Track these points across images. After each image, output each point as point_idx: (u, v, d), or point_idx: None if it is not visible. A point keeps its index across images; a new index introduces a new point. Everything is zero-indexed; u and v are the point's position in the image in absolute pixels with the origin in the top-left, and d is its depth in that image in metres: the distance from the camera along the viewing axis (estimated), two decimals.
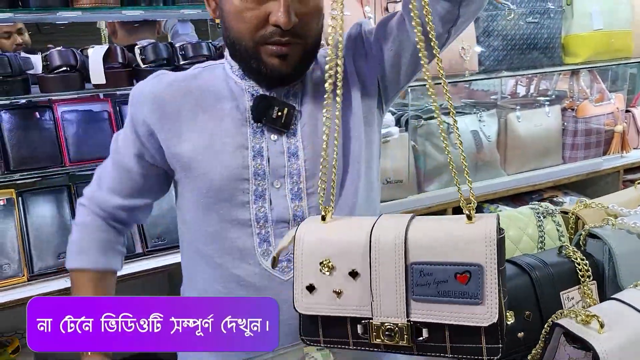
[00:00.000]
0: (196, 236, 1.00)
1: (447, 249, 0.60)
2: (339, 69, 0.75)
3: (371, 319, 0.62)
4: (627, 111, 2.44)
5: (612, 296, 0.79)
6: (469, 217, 0.63)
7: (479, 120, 2.15)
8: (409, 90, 2.05)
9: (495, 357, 0.62)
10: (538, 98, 2.38)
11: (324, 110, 0.75)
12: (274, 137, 0.97)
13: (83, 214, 1.07)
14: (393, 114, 2.11)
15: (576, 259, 0.91)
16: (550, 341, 0.75)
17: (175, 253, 1.59)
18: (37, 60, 1.50)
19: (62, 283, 1.50)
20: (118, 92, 1.58)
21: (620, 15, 2.26)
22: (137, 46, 1.58)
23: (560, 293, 0.89)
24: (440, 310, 0.60)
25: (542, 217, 1.07)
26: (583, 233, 0.97)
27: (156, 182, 1.05)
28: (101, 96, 1.65)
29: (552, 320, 0.75)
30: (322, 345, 0.64)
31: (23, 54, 1.51)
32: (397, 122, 2.06)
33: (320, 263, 0.62)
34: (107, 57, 1.54)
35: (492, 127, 2.18)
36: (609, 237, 0.93)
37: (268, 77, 0.93)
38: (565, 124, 2.33)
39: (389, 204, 1.93)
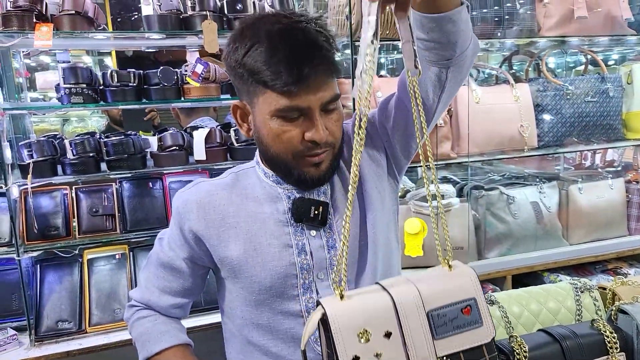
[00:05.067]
0: (248, 329, 1.07)
1: (449, 293, 0.76)
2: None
3: None
4: None
5: None
6: (450, 267, 0.78)
7: (539, 192, 2.26)
8: (470, 164, 2.21)
9: None
10: (601, 170, 2.44)
11: (348, 202, 0.73)
12: (313, 232, 1.05)
13: (137, 310, 1.15)
14: (455, 184, 2.27)
15: (605, 331, 1.02)
16: None
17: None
18: (153, 141, 1.84)
19: None
20: (215, 167, 1.88)
21: None
22: (232, 128, 1.88)
23: None
24: (458, 340, 0.74)
25: (579, 292, 1.20)
26: (614, 309, 1.08)
27: (202, 281, 1.15)
28: (200, 169, 1.94)
29: None
30: None
31: (143, 136, 1.86)
32: (459, 192, 2.22)
33: (358, 334, 0.69)
34: (208, 137, 1.85)
35: (552, 199, 2.28)
36: (637, 314, 1.04)
37: (305, 182, 1.02)
38: (630, 196, 2.37)
39: None
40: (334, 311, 0.70)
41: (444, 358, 0.72)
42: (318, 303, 0.73)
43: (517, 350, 0.98)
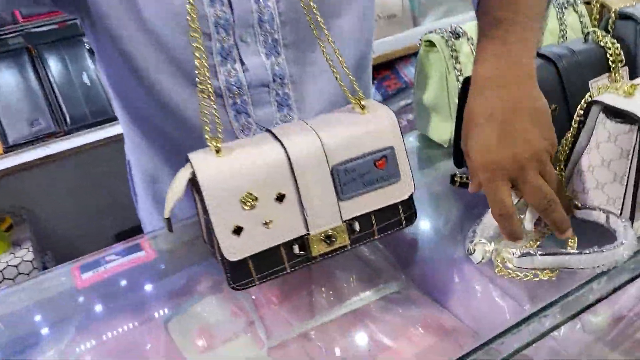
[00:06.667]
0: (142, 108, 0.78)
1: (360, 142, 0.62)
2: None
3: (308, 234, 0.60)
4: None
5: None
6: (362, 108, 0.64)
7: None
8: None
9: (412, 223, 0.67)
10: None
11: None
12: None
13: None
14: None
15: (605, 43, 0.81)
16: (585, 123, 0.66)
17: None
18: None
19: (39, 152, 1.41)
20: None
21: None
22: None
23: (589, 82, 0.80)
24: (368, 200, 0.63)
25: (562, 9, 0.94)
26: (612, 15, 0.85)
27: None
28: None
29: (589, 97, 0.66)
30: (256, 283, 0.60)
31: None
32: None
33: (241, 200, 0.57)
34: None
35: None
36: None
37: None
38: None
39: (384, 40, 1.79)
40: (206, 172, 0.56)
41: (352, 221, 0.62)
42: (187, 159, 0.57)
43: None
